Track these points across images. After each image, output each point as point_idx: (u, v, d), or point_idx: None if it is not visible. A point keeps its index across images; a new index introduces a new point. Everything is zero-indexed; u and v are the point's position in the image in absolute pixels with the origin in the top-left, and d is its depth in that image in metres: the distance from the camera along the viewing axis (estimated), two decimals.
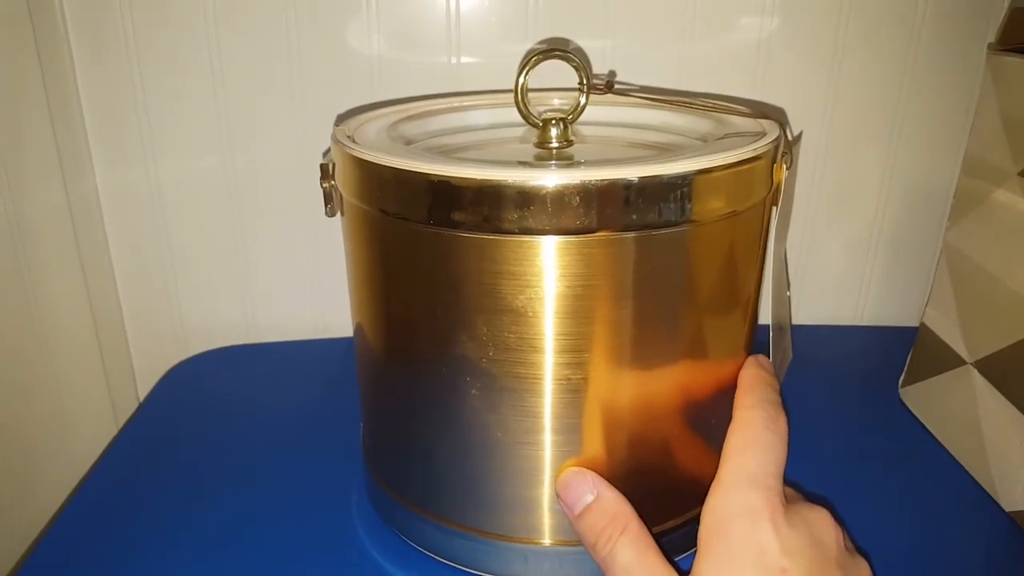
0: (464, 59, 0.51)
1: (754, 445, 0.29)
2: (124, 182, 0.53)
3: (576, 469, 0.30)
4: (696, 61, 0.51)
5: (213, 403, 0.49)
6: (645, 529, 0.29)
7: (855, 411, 0.48)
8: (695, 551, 0.28)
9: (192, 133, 0.52)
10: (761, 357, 0.33)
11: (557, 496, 0.30)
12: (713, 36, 0.51)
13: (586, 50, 0.51)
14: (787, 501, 0.28)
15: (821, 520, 0.28)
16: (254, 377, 0.52)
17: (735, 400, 0.31)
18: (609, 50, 0.51)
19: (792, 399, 0.41)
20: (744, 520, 0.27)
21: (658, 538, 0.29)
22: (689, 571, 0.28)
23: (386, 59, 0.51)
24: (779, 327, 0.33)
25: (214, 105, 0.51)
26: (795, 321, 0.58)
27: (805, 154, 0.54)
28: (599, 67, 0.51)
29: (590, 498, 0.29)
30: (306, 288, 0.57)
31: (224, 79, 0.51)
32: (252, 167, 0.53)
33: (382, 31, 0.50)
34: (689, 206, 0.28)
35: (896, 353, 0.48)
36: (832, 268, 0.59)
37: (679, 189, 0.27)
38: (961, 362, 0.41)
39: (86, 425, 0.52)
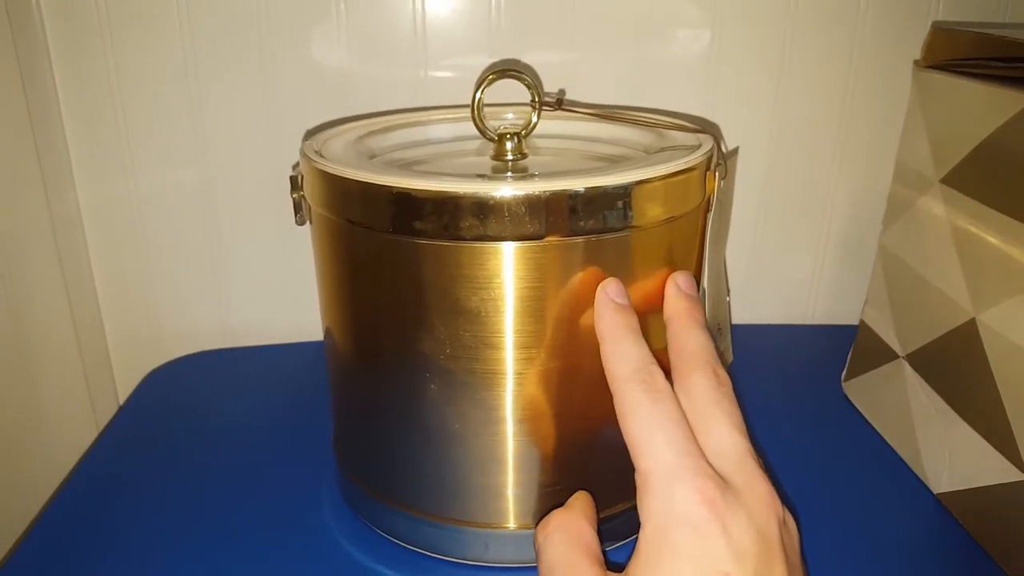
0: (431, 73, 0.53)
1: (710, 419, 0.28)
2: (105, 194, 0.55)
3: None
4: (648, 74, 0.54)
5: (191, 405, 0.51)
6: (583, 525, 0.29)
7: (802, 404, 0.50)
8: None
9: (170, 146, 0.54)
10: (679, 277, 0.32)
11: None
12: (663, 51, 0.54)
13: (545, 63, 0.53)
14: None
15: (762, 506, 0.26)
16: (230, 380, 0.54)
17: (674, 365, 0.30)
18: (568, 64, 0.54)
19: (741, 393, 0.44)
20: (686, 529, 0.25)
21: (617, 517, 0.31)
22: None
23: (356, 72, 0.53)
24: (716, 327, 0.35)
25: (191, 118, 0.53)
26: (751, 321, 0.61)
27: (755, 163, 0.57)
28: (559, 79, 0.54)
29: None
30: (280, 293, 0.59)
31: (200, 93, 0.53)
32: (227, 178, 0.55)
33: (353, 46, 0.52)
34: (630, 213, 0.30)
35: (844, 349, 0.50)
36: (784, 271, 0.62)
37: (621, 198, 0.30)
38: (895, 356, 0.44)
39: (67, 430, 0.53)
